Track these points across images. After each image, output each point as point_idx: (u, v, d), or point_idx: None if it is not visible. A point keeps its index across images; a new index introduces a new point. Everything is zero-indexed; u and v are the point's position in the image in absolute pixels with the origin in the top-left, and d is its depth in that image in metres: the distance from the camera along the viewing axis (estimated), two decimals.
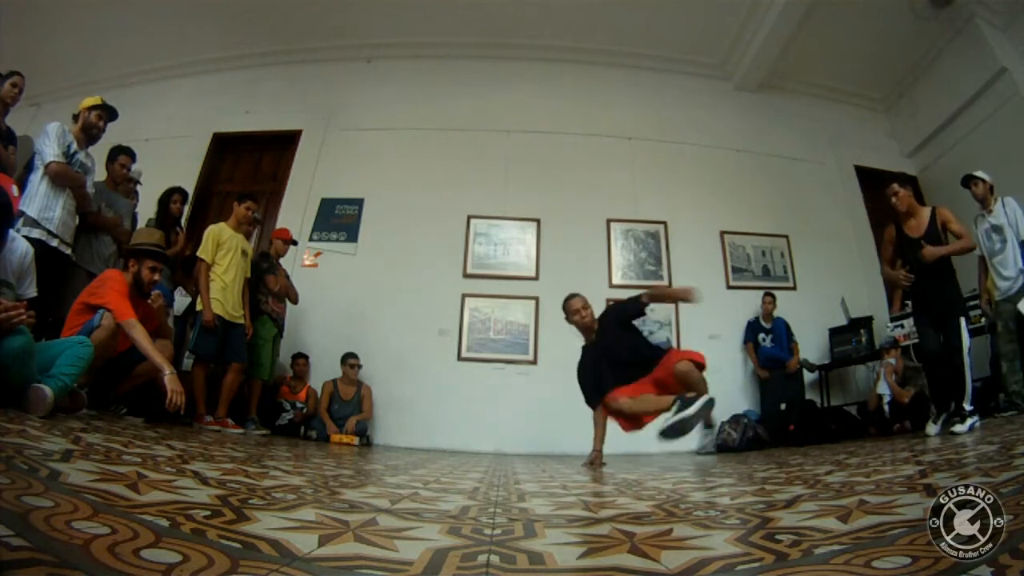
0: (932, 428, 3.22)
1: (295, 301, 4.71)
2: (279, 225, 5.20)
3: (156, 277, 2.99)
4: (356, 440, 4.41)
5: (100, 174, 3.76)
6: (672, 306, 5.42)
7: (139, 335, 2.67)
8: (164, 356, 2.73)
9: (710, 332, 5.36)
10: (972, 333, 4.22)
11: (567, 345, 5.17)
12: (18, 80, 3.26)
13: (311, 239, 5.54)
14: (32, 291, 2.49)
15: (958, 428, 2.98)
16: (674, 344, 5.27)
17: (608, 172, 5.86)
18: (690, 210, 5.76)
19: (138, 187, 4.18)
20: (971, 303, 4.26)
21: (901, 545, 0.69)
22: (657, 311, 5.41)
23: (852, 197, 6.09)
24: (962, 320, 3.27)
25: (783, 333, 5.12)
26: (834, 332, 5.24)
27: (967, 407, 3.08)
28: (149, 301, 3.13)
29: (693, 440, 4.79)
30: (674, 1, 5.59)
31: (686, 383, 2.86)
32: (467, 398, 5.01)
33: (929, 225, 3.37)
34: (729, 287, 5.57)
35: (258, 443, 3.02)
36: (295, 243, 4.81)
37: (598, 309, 5.34)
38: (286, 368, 4.78)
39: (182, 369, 3.71)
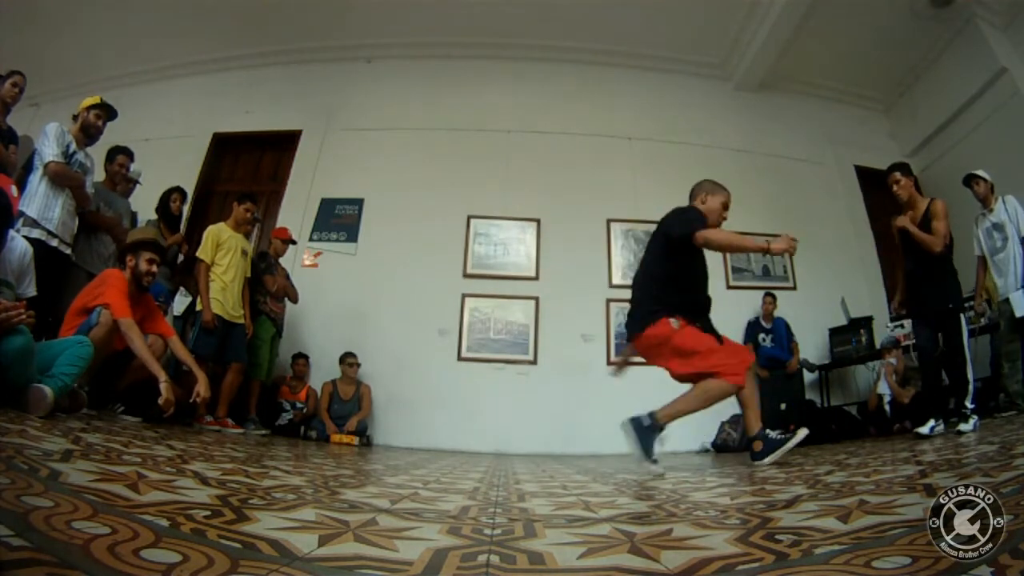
0: (923, 429, 3.21)
1: (295, 300, 4.71)
2: (279, 225, 5.21)
3: (154, 268, 2.99)
4: (356, 440, 4.41)
5: (99, 174, 3.77)
6: None
7: (135, 336, 2.68)
8: (160, 363, 2.77)
9: None
10: (970, 333, 4.23)
11: (567, 345, 5.22)
12: (19, 80, 3.26)
13: (311, 239, 5.54)
14: (32, 290, 2.50)
15: (963, 427, 2.98)
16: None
17: (608, 172, 5.86)
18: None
19: (137, 186, 4.19)
20: (967, 303, 4.27)
21: (901, 545, 0.69)
22: None
23: (852, 197, 6.09)
24: (961, 317, 3.26)
25: (783, 333, 5.12)
26: (834, 332, 5.24)
27: (969, 405, 3.08)
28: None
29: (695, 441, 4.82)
30: (674, 1, 5.59)
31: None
32: (467, 398, 5.01)
33: (922, 217, 3.36)
34: (729, 287, 5.56)
35: (258, 443, 3.02)
36: (294, 243, 4.81)
37: (598, 310, 5.44)
38: (286, 368, 4.78)
39: (182, 369, 3.71)
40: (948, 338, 3.27)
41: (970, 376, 3.14)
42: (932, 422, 3.21)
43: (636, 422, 2.28)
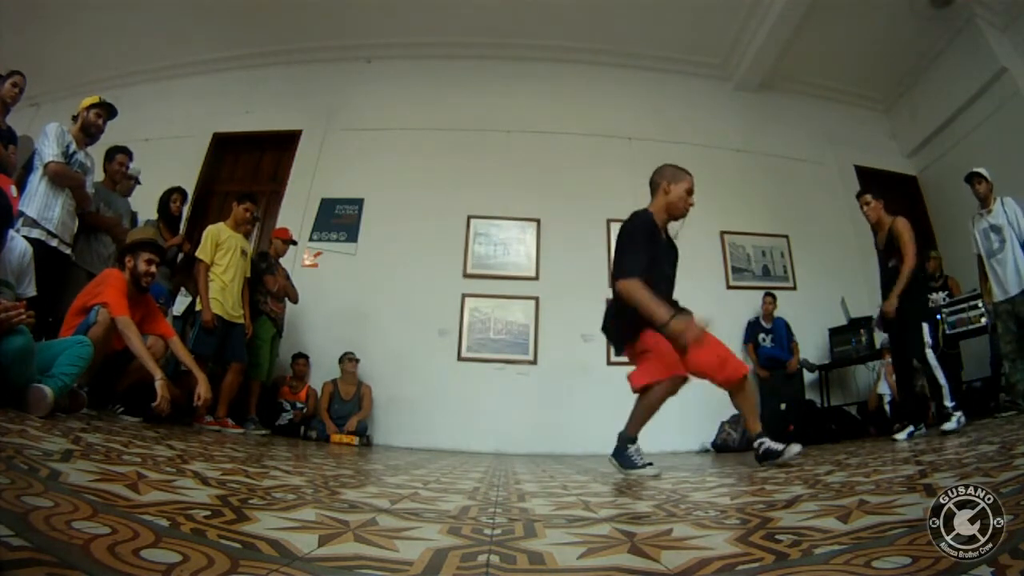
0: (900, 436, 3.21)
1: (295, 300, 4.72)
2: (279, 225, 5.21)
3: (153, 269, 2.97)
4: (356, 440, 4.41)
5: (99, 174, 3.77)
6: None
7: (132, 334, 2.68)
8: (156, 361, 2.76)
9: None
10: (974, 333, 4.23)
11: (567, 345, 5.22)
12: (19, 80, 3.26)
13: (311, 239, 5.54)
14: (31, 290, 2.49)
15: (947, 426, 3.00)
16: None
17: (608, 172, 5.86)
18: (690, 210, 5.75)
19: (137, 185, 4.19)
20: (972, 303, 4.26)
21: (901, 545, 0.69)
22: None
23: (852, 197, 6.05)
24: (924, 326, 3.27)
25: (783, 333, 5.12)
26: (834, 332, 5.24)
27: (948, 404, 3.09)
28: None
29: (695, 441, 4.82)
30: (674, 1, 5.59)
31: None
32: (467, 398, 5.01)
33: (887, 238, 3.38)
34: (729, 287, 5.57)
35: (258, 443, 3.02)
36: (294, 243, 4.82)
37: (598, 310, 5.42)
38: (286, 368, 4.78)
39: (181, 369, 3.71)
40: (912, 347, 3.29)
41: (942, 380, 3.16)
42: (911, 427, 3.23)
43: (614, 451, 2.34)
